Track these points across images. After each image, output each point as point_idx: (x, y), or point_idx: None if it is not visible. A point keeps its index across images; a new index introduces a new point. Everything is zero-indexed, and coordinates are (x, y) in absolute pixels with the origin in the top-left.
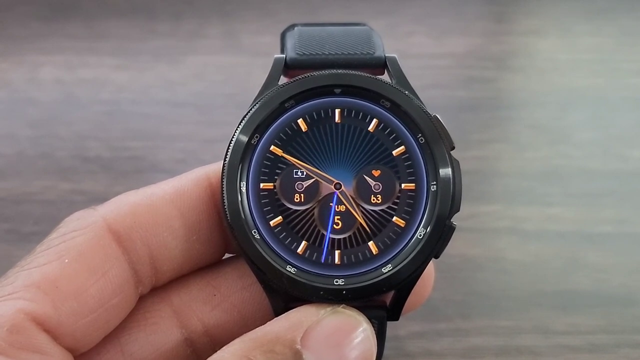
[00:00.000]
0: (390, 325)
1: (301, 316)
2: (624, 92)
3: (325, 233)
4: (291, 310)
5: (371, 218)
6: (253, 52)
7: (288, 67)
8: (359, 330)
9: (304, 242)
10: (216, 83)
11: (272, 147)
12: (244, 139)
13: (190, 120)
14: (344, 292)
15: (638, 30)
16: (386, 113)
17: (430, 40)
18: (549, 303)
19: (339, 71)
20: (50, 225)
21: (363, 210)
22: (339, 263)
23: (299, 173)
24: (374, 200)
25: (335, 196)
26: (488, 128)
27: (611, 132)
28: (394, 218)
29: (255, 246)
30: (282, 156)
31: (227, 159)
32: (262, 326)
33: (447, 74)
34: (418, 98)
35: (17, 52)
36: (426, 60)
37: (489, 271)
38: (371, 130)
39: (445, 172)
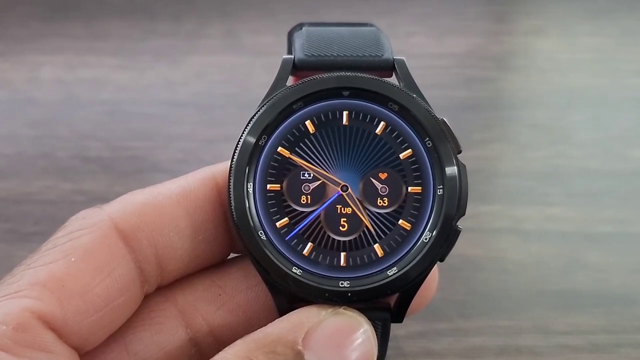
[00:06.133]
0: (391, 325)
1: (302, 317)
2: (624, 92)
3: (332, 236)
4: (292, 312)
5: (377, 221)
6: (254, 52)
7: (296, 68)
8: (360, 331)
9: (310, 244)
10: (217, 83)
11: (280, 149)
12: (252, 140)
13: (190, 120)
14: (349, 294)
15: (638, 30)
16: (394, 116)
17: (431, 40)
18: (549, 303)
19: (347, 73)
20: (50, 225)
21: (369, 213)
22: (344, 265)
23: (306, 175)
24: (380, 203)
25: (338, 194)
26: (488, 128)
27: (611, 132)
28: (400, 221)
29: (262, 247)
30: (289, 158)
31: (234, 160)
32: (264, 327)
33: (447, 74)
34: (426, 101)
35: (17, 52)
36: (426, 60)
37: (490, 271)
38: (378, 133)
39: (452, 176)
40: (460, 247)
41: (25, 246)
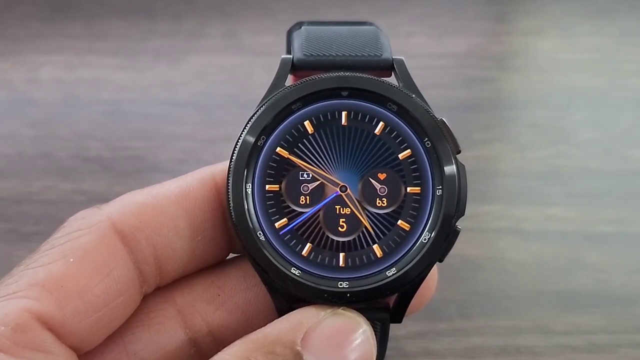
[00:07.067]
0: (391, 325)
1: (301, 317)
2: (624, 92)
3: (331, 236)
4: (291, 312)
5: (376, 221)
6: (254, 52)
7: (295, 67)
8: (359, 331)
9: (308, 245)
10: (217, 83)
11: (278, 149)
12: (251, 140)
13: (190, 120)
14: (348, 294)
15: (638, 30)
16: (393, 116)
17: (431, 40)
18: (549, 303)
19: (346, 74)
20: (50, 225)
21: (368, 213)
22: (343, 265)
23: (305, 175)
24: (379, 203)
25: (336, 194)
26: (488, 128)
27: (611, 132)
28: (399, 221)
29: (260, 248)
30: (288, 158)
31: (233, 160)
32: (263, 327)
33: (447, 74)
34: (425, 101)
35: (17, 52)
36: (426, 60)
37: (489, 271)
38: (377, 134)
39: (451, 176)
40: (460, 247)
41: (25, 246)
